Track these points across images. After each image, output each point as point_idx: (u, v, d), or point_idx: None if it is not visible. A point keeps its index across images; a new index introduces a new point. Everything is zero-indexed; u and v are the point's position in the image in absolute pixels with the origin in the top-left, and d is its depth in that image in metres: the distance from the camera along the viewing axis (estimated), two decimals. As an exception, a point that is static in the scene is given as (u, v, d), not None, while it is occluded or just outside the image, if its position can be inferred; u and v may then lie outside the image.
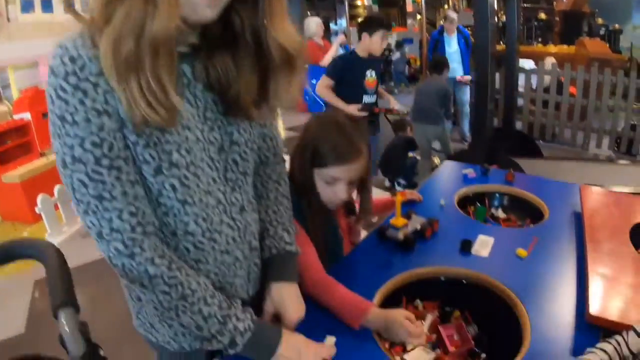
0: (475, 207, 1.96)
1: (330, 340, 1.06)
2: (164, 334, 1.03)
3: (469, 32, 6.02)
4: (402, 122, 4.99)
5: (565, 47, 8.14)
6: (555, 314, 1.18)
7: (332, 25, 12.34)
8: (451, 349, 1.17)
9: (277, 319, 1.09)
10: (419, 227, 1.55)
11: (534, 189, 1.97)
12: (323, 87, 3.41)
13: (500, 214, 1.96)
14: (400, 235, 1.48)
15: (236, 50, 0.87)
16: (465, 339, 1.20)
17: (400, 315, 1.13)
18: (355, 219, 1.51)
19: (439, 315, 1.31)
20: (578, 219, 1.69)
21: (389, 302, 1.26)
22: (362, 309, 1.14)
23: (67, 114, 0.73)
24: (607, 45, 8.36)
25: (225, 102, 0.90)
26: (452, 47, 5.95)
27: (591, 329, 1.10)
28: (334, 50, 5.63)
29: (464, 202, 1.94)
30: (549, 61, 6.53)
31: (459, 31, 5.92)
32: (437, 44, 6.07)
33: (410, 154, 4.81)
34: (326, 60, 5.43)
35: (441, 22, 6.87)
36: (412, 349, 1.12)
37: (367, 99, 3.53)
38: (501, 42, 6.96)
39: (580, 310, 1.17)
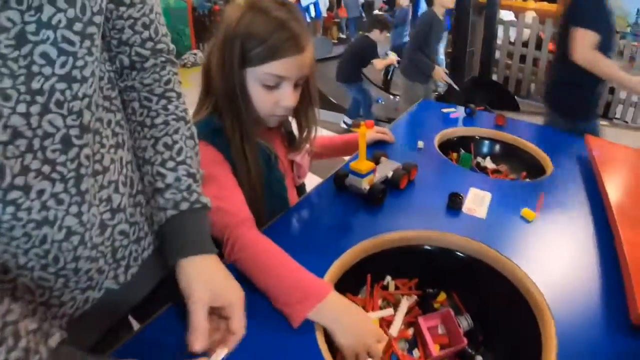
0: (459, 153, 1.58)
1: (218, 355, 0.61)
2: None
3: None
4: (382, 19, 4.25)
5: (546, 3, 7.75)
6: (584, 305, 0.80)
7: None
8: (434, 350, 0.78)
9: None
10: (390, 174, 1.14)
11: (529, 136, 1.60)
12: (590, 48, 1.86)
13: (489, 163, 1.58)
14: (365, 184, 1.06)
15: None
16: (454, 334, 0.82)
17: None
18: (293, 148, 1.09)
19: (418, 300, 0.92)
20: (586, 174, 1.33)
21: (348, 281, 0.86)
22: (316, 292, 0.73)
23: None
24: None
25: None
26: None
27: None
28: None
29: (445, 147, 1.54)
30: (530, 15, 6.16)
31: None
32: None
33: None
34: None
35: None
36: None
37: None
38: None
39: (619, 301, 0.81)
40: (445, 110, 1.74)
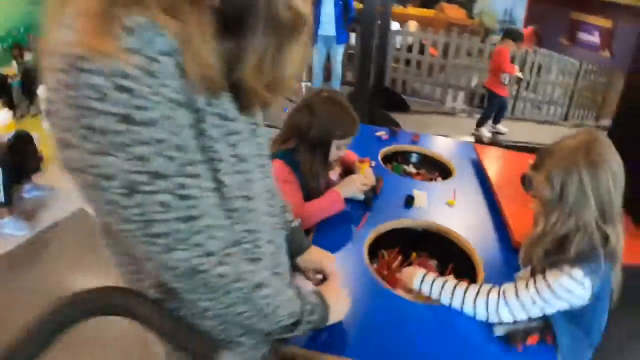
0: (392, 164, 2.26)
1: None
2: None
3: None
4: None
5: (425, 10, 8.81)
6: (492, 245, 1.55)
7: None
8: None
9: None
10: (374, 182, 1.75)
11: (435, 147, 2.34)
12: None
13: (412, 169, 2.30)
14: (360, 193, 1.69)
15: None
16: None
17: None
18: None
19: (402, 260, 1.57)
20: (479, 171, 2.08)
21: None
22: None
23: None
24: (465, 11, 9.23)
25: None
26: (327, 7, 5.52)
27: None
28: None
29: (384, 161, 2.22)
30: (413, 24, 7.10)
31: None
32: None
33: None
34: None
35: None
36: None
37: None
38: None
39: (503, 238, 1.57)
40: (378, 133, 2.42)
